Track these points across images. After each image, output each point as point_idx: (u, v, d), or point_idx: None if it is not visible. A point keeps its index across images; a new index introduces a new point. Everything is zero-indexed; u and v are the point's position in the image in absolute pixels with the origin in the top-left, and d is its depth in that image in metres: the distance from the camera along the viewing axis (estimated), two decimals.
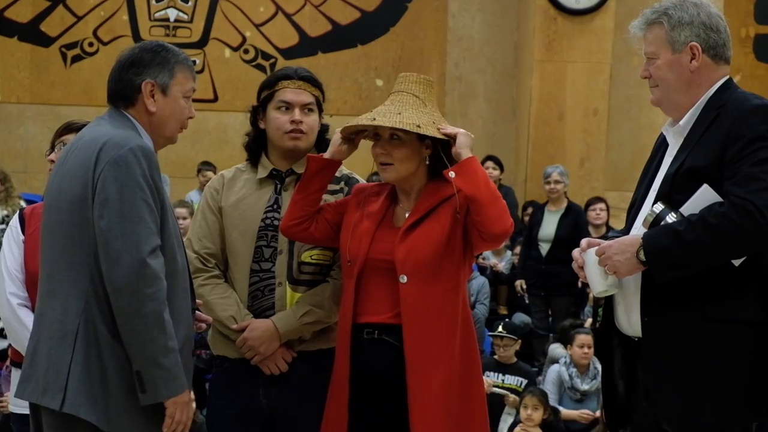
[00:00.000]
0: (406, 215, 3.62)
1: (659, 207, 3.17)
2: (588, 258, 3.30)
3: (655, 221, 3.16)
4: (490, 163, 10.69)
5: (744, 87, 3.38)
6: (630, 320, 3.30)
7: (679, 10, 3.28)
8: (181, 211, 9.54)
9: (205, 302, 3.77)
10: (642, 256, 3.13)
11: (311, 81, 3.88)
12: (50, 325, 3.13)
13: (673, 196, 3.19)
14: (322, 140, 3.91)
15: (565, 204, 9.68)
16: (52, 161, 3.93)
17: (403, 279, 3.49)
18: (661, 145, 3.44)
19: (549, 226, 9.57)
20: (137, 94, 3.25)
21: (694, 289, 3.13)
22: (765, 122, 3.12)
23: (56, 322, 3.11)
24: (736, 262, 3.13)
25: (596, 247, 3.27)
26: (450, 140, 3.58)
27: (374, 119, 3.51)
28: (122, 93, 3.27)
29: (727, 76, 3.34)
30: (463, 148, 3.52)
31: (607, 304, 3.45)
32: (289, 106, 3.82)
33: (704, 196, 3.11)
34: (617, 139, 11.32)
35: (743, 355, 3.14)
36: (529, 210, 10.27)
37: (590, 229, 9.86)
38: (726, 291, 3.13)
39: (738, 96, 3.25)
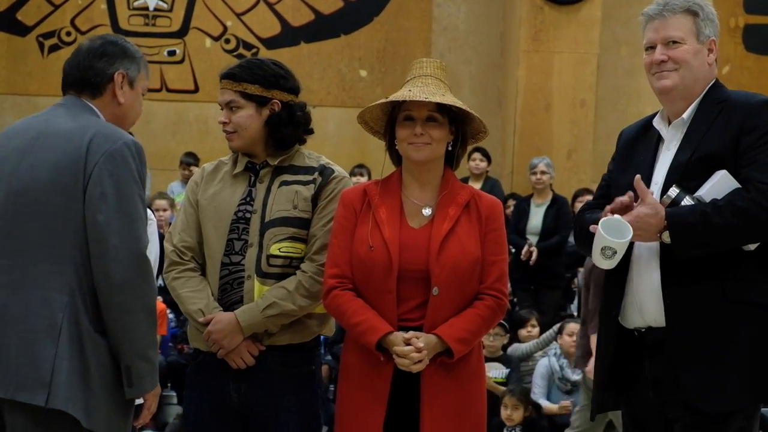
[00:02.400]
0: (425, 211, 3.66)
1: (674, 191, 3.31)
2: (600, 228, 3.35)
3: (671, 205, 3.30)
4: (477, 155, 10.61)
5: (734, 78, 3.83)
6: (643, 311, 3.42)
7: (707, 6, 3.51)
8: (161, 203, 9.46)
9: (176, 296, 3.79)
10: (666, 237, 3.29)
11: (232, 76, 3.81)
12: (23, 318, 3.06)
13: (683, 184, 3.34)
14: (286, 125, 3.80)
15: (550, 196, 9.71)
16: None
17: (435, 291, 3.55)
18: (643, 137, 3.58)
19: (535, 219, 9.60)
20: (107, 84, 3.29)
21: (713, 267, 3.30)
22: None
23: (33, 315, 3.05)
24: (752, 247, 3.30)
25: (609, 219, 3.33)
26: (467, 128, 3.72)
27: (427, 98, 3.57)
28: (92, 81, 3.29)
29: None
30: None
31: (608, 302, 3.57)
32: (224, 108, 3.85)
33: (724, 182, 3.28)
34: (605, 131, 11.26)
35: (763, 337, 3.31)
36: (510, 203, 10.22)
37: None
38: (743, 273, 3.32)
39: (738, 93, 3.51)
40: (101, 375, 3.07)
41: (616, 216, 3.32)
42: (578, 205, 9.95)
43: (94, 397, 3.06)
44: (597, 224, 3.35)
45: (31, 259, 3.09)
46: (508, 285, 3.72)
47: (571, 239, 9.71)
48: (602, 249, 3.31)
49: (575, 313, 8.93)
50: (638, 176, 3.36)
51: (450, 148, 3.68)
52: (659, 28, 3.48)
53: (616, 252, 3.30)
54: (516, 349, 8.31)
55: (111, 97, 3.29)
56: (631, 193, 3.37)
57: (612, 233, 3.29)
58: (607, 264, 3.34)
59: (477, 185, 10.14)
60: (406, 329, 3.53)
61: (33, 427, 3.05)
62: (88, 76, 3.28)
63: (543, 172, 9.64)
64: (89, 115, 3.24)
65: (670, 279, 3.34)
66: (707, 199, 3.28)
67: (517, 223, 9.56)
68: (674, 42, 3.45)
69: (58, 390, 3.00)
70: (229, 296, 3.75)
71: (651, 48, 3.50)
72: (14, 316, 3.08)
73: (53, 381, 3.00)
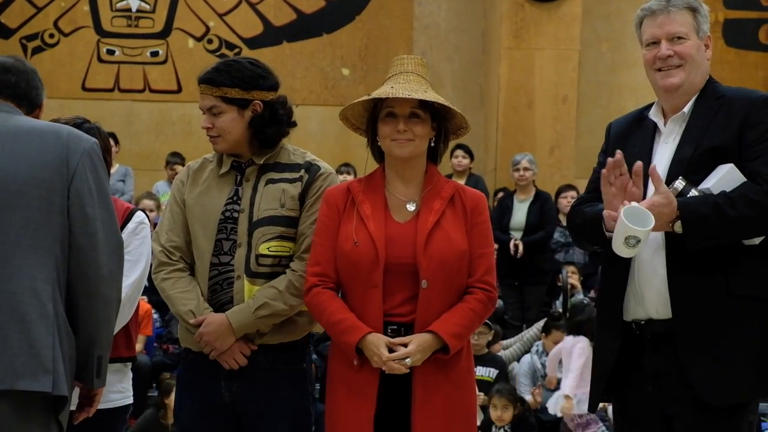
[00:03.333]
0: (410, 207, 3.67)
1: (680, 183, 3.32)
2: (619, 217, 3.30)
3: (678, 197, 3.30)
4: (460, 152, 10.62)
5: (714, 72, 3.61)
6: (645, 302, 3.42)
7: (703, 4, 3.56)
8: (148, 203, 9.46)
9: (166, 296, 3.78)
10: (678, 227, 3.28)
11: (211, 81, 3.79)
12: (14, 308, 3.01)
13: (688, 177, 3.36)
14: (269, 124, 3.79)
15: (533, 192, 9.73)
16: None
17: (425, 284, 3.55)
18: (636, 130, 3.58)
19: (519, 215, 9.61)
20: (37, 109, 3.35)
21: (716, 260, 3.32)
22: None
23: (24, 305, 3.02)
24: (756, 241, 3.33)
25: (629, 207, 3.31)
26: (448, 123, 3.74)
27: (410, 94, 3.59)
28: (34, 101, 3.33)
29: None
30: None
31: (608, 293, 3.56)
32: (205, 112, 3.82)
33: (731, 175, 3.30)
34: (587, 127, 11.31)
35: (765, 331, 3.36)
36: (500, 195, 10.23)
37: (561, 217, 9.86)
38: (747, 268, 3.35)
39: (734, 89, 3.56)
40: (73, 368, 3.10)
41: (634, 204, 3.29)
42: (562, 201, 10.01)
43: (70, 387, 3.09)
44: (603, 214, 3.36)
45: (15, 250, 3.07)
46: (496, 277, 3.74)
47: (556, 235, 9.79)
48: (626, 238, 3.24)
49: (560, 310, 8.96)
50: (654, 164, 3.36)
51: (432, 144, 3.69)
52: (664, 24, 3.48)
53: (640, 240, 3.24)
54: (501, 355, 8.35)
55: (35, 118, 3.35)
56: (619, 152, 3.36)
57: (634, 222, 3.24)
58: (629, 253, 3.29)
59: (460, 182, 10.16)
60: (394, 325, 3.54)
61: (15, 415, 3.00)
62: (32, 95, 3.32)
63: (526, 169, 9.66)
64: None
65: (676, 270, 3.35)
66: (715, 192, 3.29)
67: (500, 219, 9.57)
68: (679, 38, 3.47)
69: (58, 377, 3.01)
70: (219, 297, 3.75)
71: (653, 44, 3.50)
72: (3, 307, 3.05)
73: (55, 367, 3.00)
